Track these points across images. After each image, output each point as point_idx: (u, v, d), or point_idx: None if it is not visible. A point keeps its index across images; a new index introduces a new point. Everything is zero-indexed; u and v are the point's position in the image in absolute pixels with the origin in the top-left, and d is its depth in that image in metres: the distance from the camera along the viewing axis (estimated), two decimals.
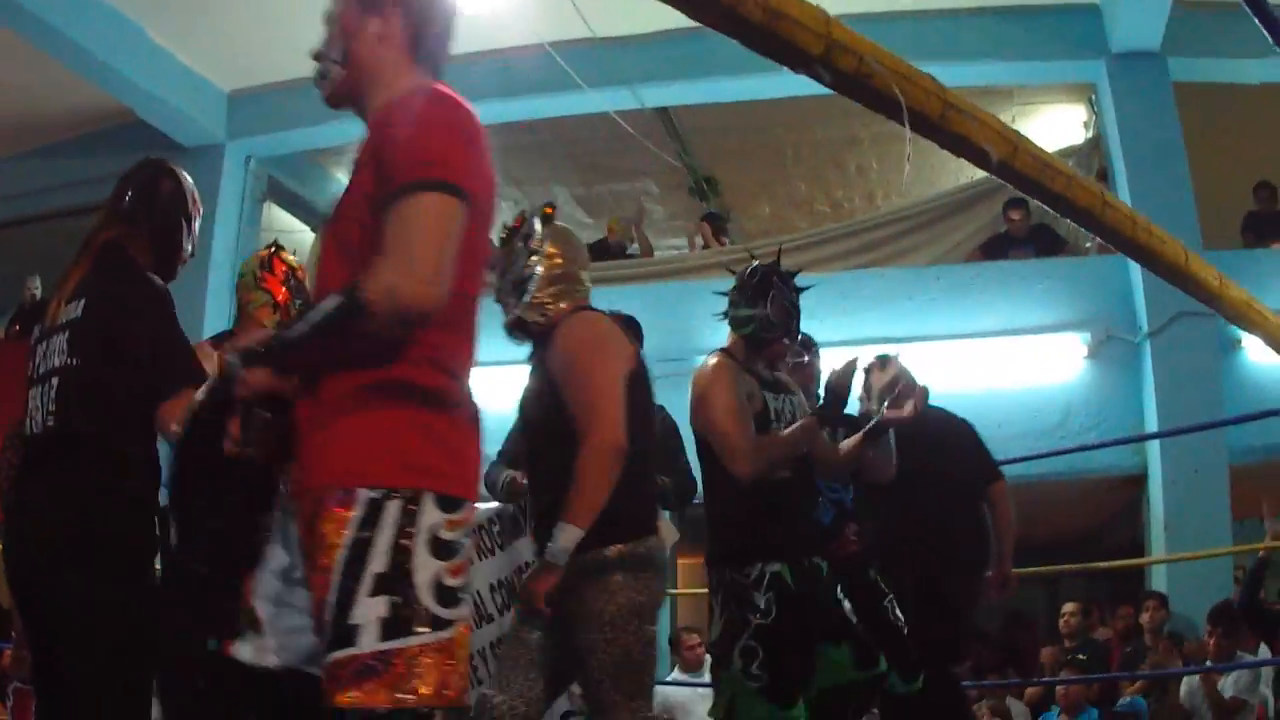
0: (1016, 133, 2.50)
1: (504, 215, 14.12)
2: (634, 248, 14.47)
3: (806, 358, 6.58)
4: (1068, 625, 10.37)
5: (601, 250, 13.62)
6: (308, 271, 13.37)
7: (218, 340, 5.25)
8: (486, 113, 11.16)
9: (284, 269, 5.30)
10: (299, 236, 14.99)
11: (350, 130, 10.93)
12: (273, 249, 5.40)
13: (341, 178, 15.37)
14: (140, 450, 4.02)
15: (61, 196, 13.16)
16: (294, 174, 14.87)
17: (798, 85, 11.43)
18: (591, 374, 4.41)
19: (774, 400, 5.30)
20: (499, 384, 4.93)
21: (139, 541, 3.98)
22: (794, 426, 5.11)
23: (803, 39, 2.08)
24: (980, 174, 13.41)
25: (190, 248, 4.48)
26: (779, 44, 2.06)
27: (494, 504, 5.73)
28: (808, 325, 11.26)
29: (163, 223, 4.35)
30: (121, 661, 3.84)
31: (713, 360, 5.28)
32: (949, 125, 2.36)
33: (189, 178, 4.55)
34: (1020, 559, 8.89)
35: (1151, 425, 10.31)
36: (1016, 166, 2.53)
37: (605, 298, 11.25)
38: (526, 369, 4.72)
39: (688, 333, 11.36)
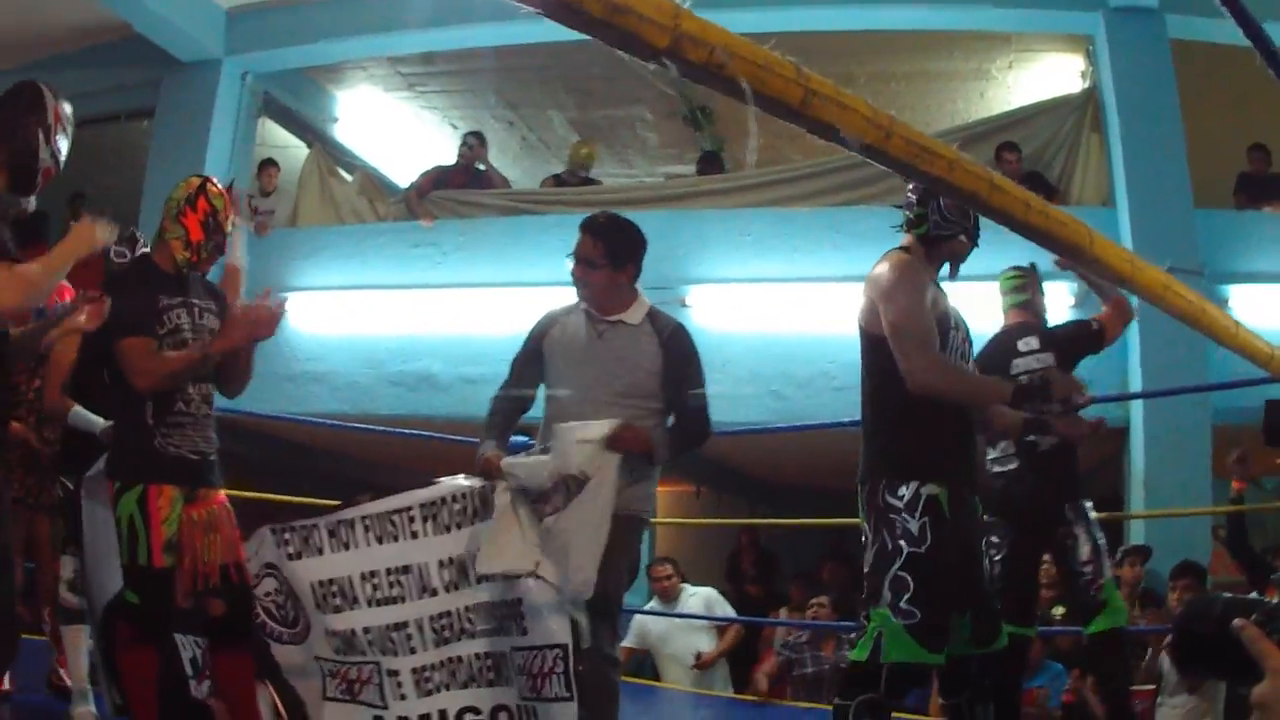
0: (890, 118, 2.52)
1: (502, 137, 14.22)
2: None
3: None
4: (1046, 576, 10.03)
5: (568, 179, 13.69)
6: (301, 188, 13.48)
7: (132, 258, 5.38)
8: (483, 36, 11.25)
9: (206, 207, 5.26)
10: (293, 152, 15.09)
11: (347, 49, 11.04)
12: (202, 182, 5.36)
13: (336, 93, 15.41)
14: None
15: None
16: (290, 90, 14.89)
17: (792, 21, 11.55)
18: None
19: (953, 308, 5.02)
20: None
21: None
22: (989, 380, 4.98)
23: (647, 32, 2.10)
24: (976, 116, 13.43)
25: (53, 160, 4.42)
26: (621, 36, 2.08)
27: (462, 479, 5.66)
28: (795, 259, 11.34)
29: (14, 130, 4.34)
30: None
31: (894, 256, 4.99)
32: (811, 112, 2.39)
33: (58, 97, 4.52)
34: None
35: (1135, 379, 10.31)
36: (890, 151, 2.55)
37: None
38: None
39: (675, 260, 11.41)
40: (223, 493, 5.26)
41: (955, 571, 4.77)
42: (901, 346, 4.72)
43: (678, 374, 5.51)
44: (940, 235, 5.04)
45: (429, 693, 5.55)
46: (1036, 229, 2.93)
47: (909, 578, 4.63)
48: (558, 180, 13.77)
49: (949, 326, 4.93)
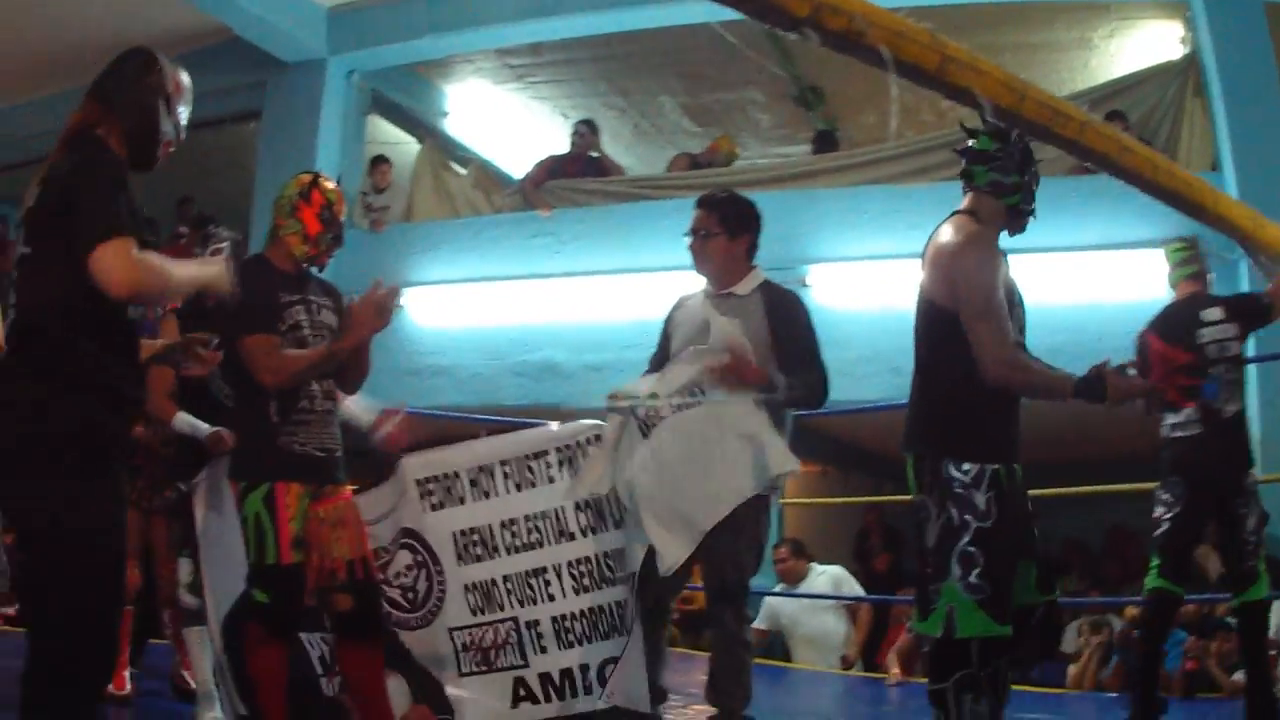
0: (1023, 81, 2.49)
1: (614, 125, 14.20)
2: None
3: None
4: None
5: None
6: (415, 183, 13.57)
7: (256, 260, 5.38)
8: (589, 24, 11.28)
9: (321, 200, 5.31)
10: (404, 148, 15.11)
11: (452, 43, 11.08)
12: (314, 176, 5.41)
13: (445, 88, 15.46)
14: (90, 339, 3.73)
15: None
16: (397, 87, 14.91)
17: None
18: None
19: (1011, 279, 4.90)
20: None
21: (88, 433, 3.68)
22: (1056, 376, 4.72)
23: (788, 2, 2.08)
24: (1084, 84, 13.23)
25: (175, 132, 4.20)
26: (763, 7, 2.07)
27: (592, 421, 5.81)
28: (912, 235, 11.29)
29: (136, 102, 4.08)
30: (69, 557, 3.60)
31: (972, 226, 4.85)
32: (947, 77, 2.36)
33: (178, 68, 4.27)
34: (1117, 474, 8.84)
35: (1248, 344, 10.13)
36: (1024, 114, 2.52)
37: None
38: None
39: (793, 240, 11.37)
40: (348, 488, 5.27)
41: (1017, 540, 4.76)
42: (980, 335, 4.64)
43: (785, 339, 5.61)
44: (1025, 210, 4.98)
45: (570, 644, 5.68)
46: (1164, 188, 2.91)
47: (978, 553, 4.62)
48: (693, 162, 13.68)
49: (1013, 302, 4.86)
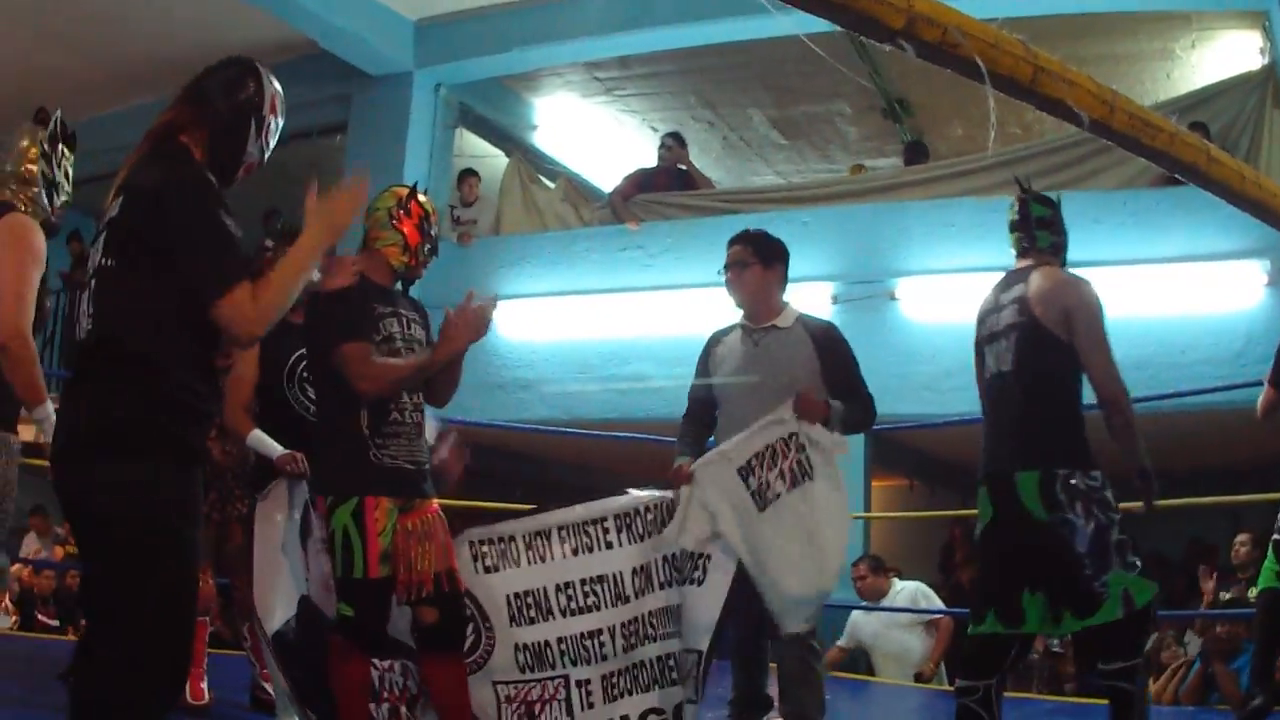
0: (1113, 92, 2.49)
1: (703, 138, 14.21)
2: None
3: None
4: (1238, 557, 9.82)
5: None
6: (503, 197, 13.63)
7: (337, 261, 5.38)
8: (677, 37, 11.31)
9: (420, 212, 5.36)
10: (492, 161, 15.15)
11: (540, 56, 11.11)
12: (412, 189, 5.44)
13: (533, 101, 15.50)
14: (171, 353, 3.65)
15: None
16: (485, 100, 14.96)
17: (978, 8, 11.37)
18: None
19: None
20: None
21: (162, 440, 3.62)
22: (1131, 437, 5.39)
23: (883, 14, 2.10)
24: (1165, 95, 13.13)
25: (259, 155, 4.06)
26: (859, 19, 2.08)
27: (652, 491, 5.96)
28: (1001, 247, 11.28)
29: (228, 113, 3.95)
30: (139, 558, 3.56)
31: (1078, 278, 5.52)
32: (1040, 88, 2.37)
33: (277, 83, 4.10)
34: (1200, 487, 8.74)
35: None
36: (1114, 126, 2.52)
37: (799, 218, 11.28)
38: None
39: (880, 253, 11.36)
40: (435, 501, 5.27)
41: None
42: (1105, 370, 5.33)
43: (835, 368, 5.99)
44: (1058, 246, 5.73)
45: (614, 699, 5.73)
46: (1251, 199, 2.90)
47: (1125, 538, 5.22)
48: None
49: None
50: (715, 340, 6.37)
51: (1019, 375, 5.45)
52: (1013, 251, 5.81)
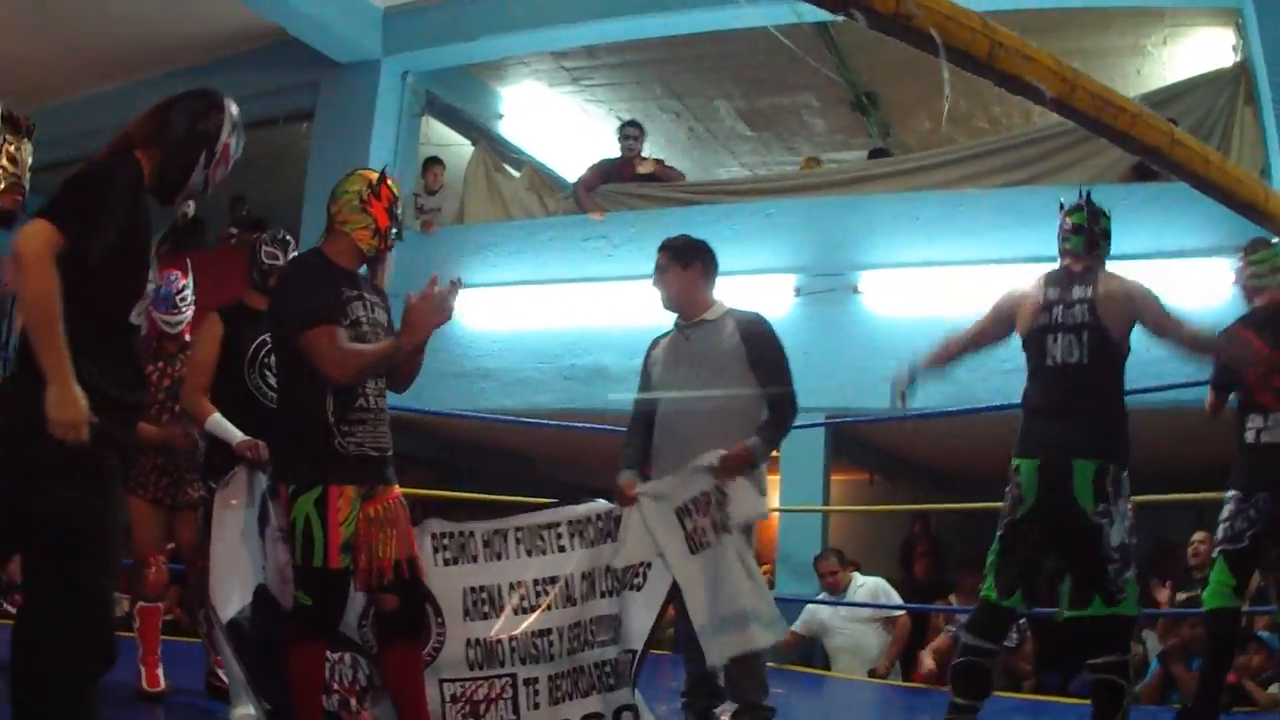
0: (1074, 71, 2.46)
1: (669, 129, 14.16)
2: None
3: None
4: (1196, 555, 9.75)
5: None
6: (467, 185, 13.58)
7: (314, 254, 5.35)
8: (645, 27, 11.27)
9: (390, 195, 5.33)
10: (457, 150, 15.13)
11: (508, 44, 11.07)
12: (382, 172, 5.42)
13: (500, 90, 15.45)
14: (85, 342, 3.73)
15: None
16: (452, 88, 14.88)
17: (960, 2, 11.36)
18: None
19: None
20: None
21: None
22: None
23: None
24: (1136, 91, 13.14)
25: (203, 185, 4.26)
26: None
27: (604, 502, 6.25)
28: (965, 241, 11.22)
29: (184, 137, 4.15)
30: (60, 552, 3.68)
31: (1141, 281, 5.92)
32: (998, 64, 2.33)
33: (236, 117, 4.33)
34: (1168, 486, 8.74)
35: None
36: (1074, 104, 2.50)
37: (763, 210, 11.29)
38: None
39: (845, 246, 11.36)
40: (397, 488, 5.26)
41: None
42: (1176, 331, 5.77)
43: (760, 357, 6.23)
44: (1107, 255, 6.07)
45: (557, 701, 5.93)
46: (1216, 184, 2.89)
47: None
48: None
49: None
50: (654, 344, 6.70)
51: (1095, 370, 5.74)
52: (1065, 248, 6.07)
